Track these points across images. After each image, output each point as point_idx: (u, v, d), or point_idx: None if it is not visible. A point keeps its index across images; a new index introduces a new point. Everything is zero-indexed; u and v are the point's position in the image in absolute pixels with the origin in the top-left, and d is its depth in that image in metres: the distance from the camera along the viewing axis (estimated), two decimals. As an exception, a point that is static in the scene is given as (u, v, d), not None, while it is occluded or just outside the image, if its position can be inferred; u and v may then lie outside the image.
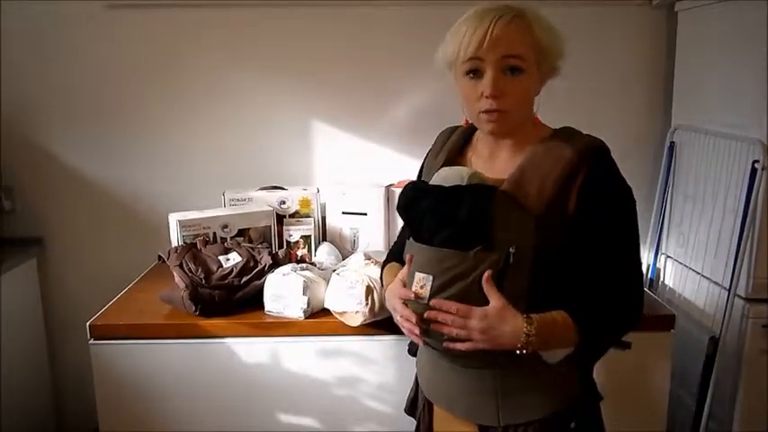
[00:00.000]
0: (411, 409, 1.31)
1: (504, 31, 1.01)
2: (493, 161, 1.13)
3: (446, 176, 1.08)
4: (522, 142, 1.10)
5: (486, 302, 1.01)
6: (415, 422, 1.28)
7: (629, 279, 1.08)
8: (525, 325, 0.99)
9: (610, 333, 1.09)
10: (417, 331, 1.07)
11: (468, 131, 1.20)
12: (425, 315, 1.04)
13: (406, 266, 1.11)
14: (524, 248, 1.00)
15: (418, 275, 1.06)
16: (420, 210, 1.08)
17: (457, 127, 1.23)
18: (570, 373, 1.10)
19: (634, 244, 1.08)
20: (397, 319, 1.12)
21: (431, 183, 1.11)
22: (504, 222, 1.01)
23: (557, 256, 1.02)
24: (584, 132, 1.09)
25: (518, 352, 1.00)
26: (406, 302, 1.08)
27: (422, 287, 1.05)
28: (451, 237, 1.03)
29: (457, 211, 1.02)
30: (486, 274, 1.00)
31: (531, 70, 1.03)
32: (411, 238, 1.12)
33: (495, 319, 1.00)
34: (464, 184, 1.05)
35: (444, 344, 1.04)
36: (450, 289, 1.03)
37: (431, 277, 1.04)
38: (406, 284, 1.09)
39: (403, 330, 1.12)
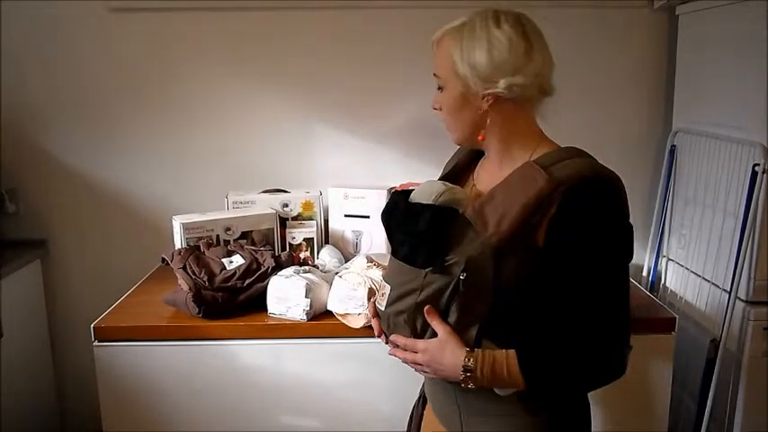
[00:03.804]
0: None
1: (435, 49, 1.08)
2: (495, 178, 1.07)
3: (421, 190, 1.06)
4: (513, 163, 1.04)
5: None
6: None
7: (597, 329, 0.97)
8: (464, 360, 0.99)
9: (563, 384, 1.02)
10: (383, 340, 1.14)
11: None
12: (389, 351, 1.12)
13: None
14: (478, 276, 0.96)
15: (383, 283, 1.12)
16: (392, 221, 1.09)
17: None
18: (539, 407, 1.05)
19: (611, 287, 0.97)
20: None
21: (411, 195, 1.08)
22: (462, 247, 0.98)
23: (518, 289, 0.97)
24: (573, 147, 1.03)
25: (462, 385, 1.01)
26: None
27: (383, 295, 1.10)
28: (408, 252, 1.04)
29: (416, 227, 1.01)
30: (426, 308, 1.02)
31: (449, 88, 1.06)
32: None
33: (436, 352, 1.02)
34: (430, 201, 1.02)
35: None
36: (402, 302, 1.05)
37: (389, 288, 1.09)
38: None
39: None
